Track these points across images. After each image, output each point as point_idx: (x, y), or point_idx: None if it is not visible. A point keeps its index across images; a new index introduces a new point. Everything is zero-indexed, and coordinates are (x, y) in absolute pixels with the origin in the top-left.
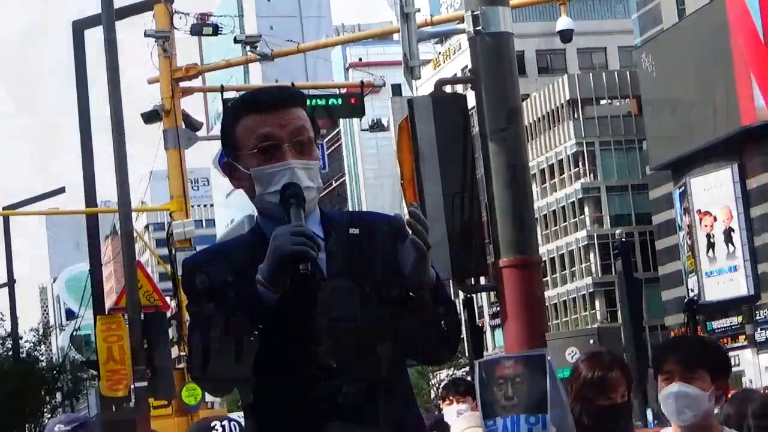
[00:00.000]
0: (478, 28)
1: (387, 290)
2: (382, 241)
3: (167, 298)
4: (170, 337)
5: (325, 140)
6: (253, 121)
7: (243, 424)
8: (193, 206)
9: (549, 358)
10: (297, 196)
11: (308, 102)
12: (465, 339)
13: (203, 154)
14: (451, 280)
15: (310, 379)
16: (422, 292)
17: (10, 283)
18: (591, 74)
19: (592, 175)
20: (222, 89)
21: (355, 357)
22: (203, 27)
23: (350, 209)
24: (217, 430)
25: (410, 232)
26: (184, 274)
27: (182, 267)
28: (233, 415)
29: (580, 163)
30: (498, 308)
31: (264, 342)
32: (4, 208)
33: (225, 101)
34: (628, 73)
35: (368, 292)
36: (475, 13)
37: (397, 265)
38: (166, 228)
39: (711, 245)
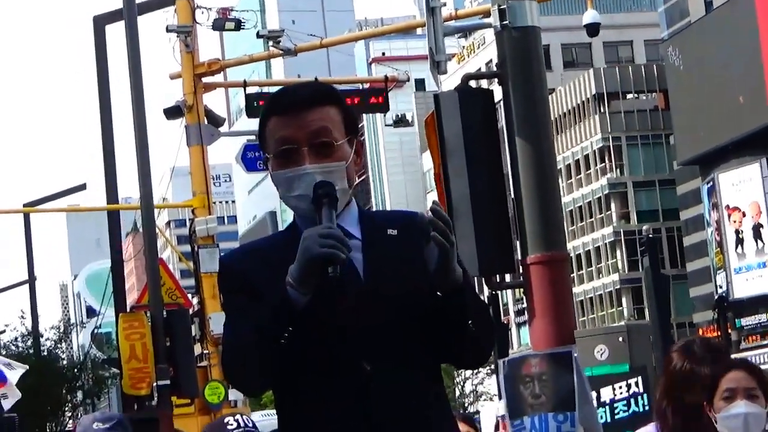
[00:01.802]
0: (504, 22)
1: (423, 293)
2: (418, 243)
3: (189, 296)
4: (193, 334)
5: None
6: (274, 124)
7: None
8: (215, 203)
9: (576, 354)
10: (329, 195)
11: None
12: None
13: (225, 150)
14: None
15: (342, 390)
16: (448, 291)
17: (31, 280)
18: (617, 68)
19: (618, 170)
20: (245, 84)
21: (389, 362)
22: (225, 22)
23: (373, 206)
24: (231, 425)
25: (432, 230)
26: (220, 271)
27: (219, 264)
28: (255, 415)
29: (607, 159)
30: (523, 305)
31: (296, 343)
32: (24, 205)
33: (247, 96)
34: (654, 66)
35: (406, 297)
36: (502, 7)
37: (427, 267)
38: (188, 224)
39: (740, 241)
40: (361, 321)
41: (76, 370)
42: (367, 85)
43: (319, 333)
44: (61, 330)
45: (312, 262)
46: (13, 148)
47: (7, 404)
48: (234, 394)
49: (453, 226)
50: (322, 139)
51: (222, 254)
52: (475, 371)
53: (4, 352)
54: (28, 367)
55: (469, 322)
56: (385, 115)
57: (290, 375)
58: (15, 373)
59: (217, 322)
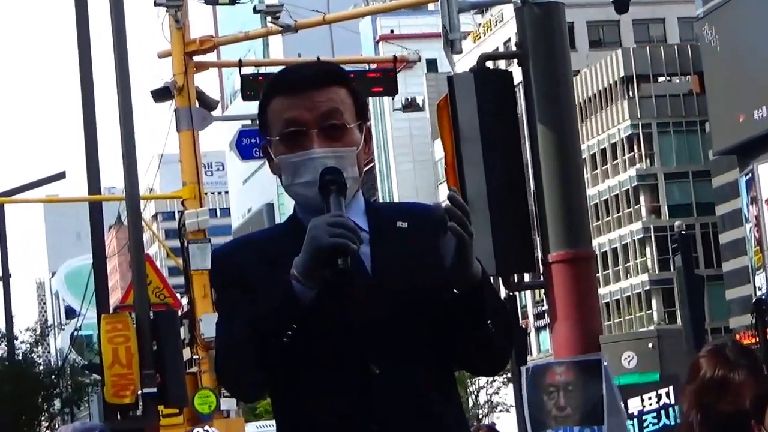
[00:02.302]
0: None
1: (436, 290)
2: (431, 237)
3: (178, 295)
4: (182, 338)
5: None
6: (280, 104)
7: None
8: (206, 193)
9: (605, 363)
10: (337, 182)
11: None
12: None
13: (218, 136)
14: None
15: (346, 385)
16: (465, 288)
17: (5, 277)
18: (648, 48)
19: (648, 160)
20: (240, 64)
21: (395, 358)
22: None
23: (380, 198)
24: None
25: (449, 219)
26: (213, 265)
27: (211, 258)
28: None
29: (636, 147)
30: (543, 308)
31: (299, 343)
32: None
33: (243, 77)
34: (689, 47)
35: (415, 293)
36: None
37: (443, 262)
38: (177, 217)
39: None
40: (368, 316)
41: (53, 376)
42: (373, 66)
43: (323, 327)
44: (38, 332)
45: (320, 253)
46: None
47: None
48: (226, 404)
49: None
50: (332, 121)
51: (213, 249)
52: (490, 380)
53: None
54: None
55: (488, 322)
56: (393, 99)
57: (292, 370)
58: None
59: (208, 324)
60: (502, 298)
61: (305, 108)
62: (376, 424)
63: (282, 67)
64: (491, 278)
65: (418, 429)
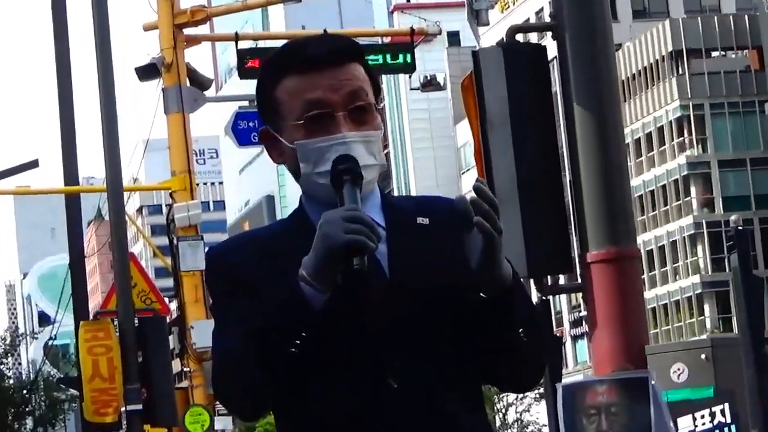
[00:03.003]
0: None
1: (460, 290)
2: (455, 234)
3: (167, 300)
4: (171, 348)
5: None
6: (297, 83)
7: None
8: (198, 184)
9: (653, 382)
10: (352, 171)
11: None
12: None
13: (212, 120)
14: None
15: (361, 400)
16: (495, 292)
17: None
18: (699, 19)
19: (700, 146)
20: (236, 38)
21: (413, 363)
22: None
23: (395, 190)
24: None
25: (474, 213)
26: (207, 266)
27: (206, 257)
28: None
29: (686, 131)
30: (581, 314)
31: (308, 353)
32: None
33: (239, 53)
34: (746, 17)
35: (436, 293)
36: None
37: (468, 262)
38: (165, 211)
39: None
40: (384, 318)
41: (25, 391)
42: (388, 39)
43: (334, 331)
44: (7, 341)
45: (334, 252)
46: None
47: None
48: (221, 423)
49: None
50: (360, 101)
51: (208, 248)
52: (520, 396)
53: None
54: None
55: (520, 330)
56: (410, 77)
57: (297, 392)
58: None
59: (201, 331)
60: (535, 303)
61: (329, 88)
62: (384, 427)
63: (283, 42)
64: (522, 281)
65: (427, 428)
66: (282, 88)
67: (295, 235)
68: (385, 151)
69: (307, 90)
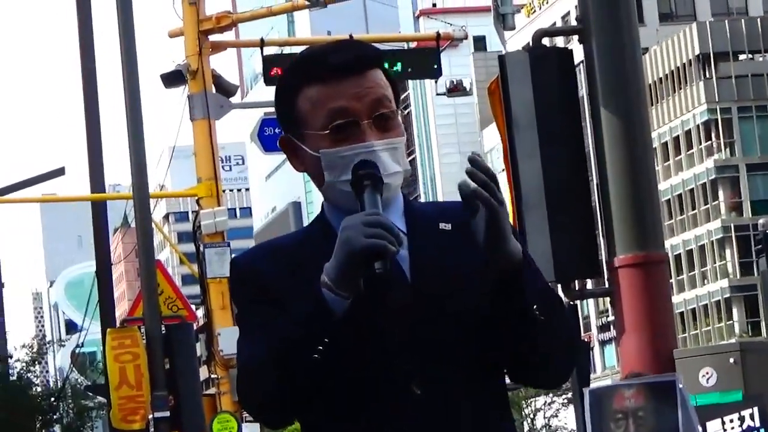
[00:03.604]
0: None
1: (480, 297)
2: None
3: (193, 307)
4: (198, 354)
5: None
6: (319, 92)
7: None
8: (225, 191)
9: (681, 386)
10: (373, 177)
11: None
12: None
13: (238, 126)
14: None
15: (384, 406)
16: (506, 272)
17: None
18: (727, 22)
19: (728, 149)
20: (262, 44)
21: (443, 383)
22: None
23: (421, 196)
24: None
25: (471, 181)
26: (233, 274)
27: (231, 266)
28: None
29: (713, 135)
30: (609, 319)
31: (331, 359)
32: None
33: (265, 59)
34: None
35: (458, 297)
36: None
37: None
38: (191, 218)
39: None
40: (405, 323)
41: (53, 399)
42: (414, 44)
43: (356, 336)
44: (35, 349)
45: (355, 257)
46: None
47: None
48: (249, 429)
49: (522, 217)
50: (382, 110)
51: (234, 255)
52: (548, 401)
53: None
54: None
55: (534, 308)
56: (436, 82)
57: (321, 399)
58: None
59: (227, 338)
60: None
61: (353, 96)
62: None
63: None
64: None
65: (440, 428)
66: (304, 97)
67: (318, 241)
68: (412, 157)
69: (330, 99)
